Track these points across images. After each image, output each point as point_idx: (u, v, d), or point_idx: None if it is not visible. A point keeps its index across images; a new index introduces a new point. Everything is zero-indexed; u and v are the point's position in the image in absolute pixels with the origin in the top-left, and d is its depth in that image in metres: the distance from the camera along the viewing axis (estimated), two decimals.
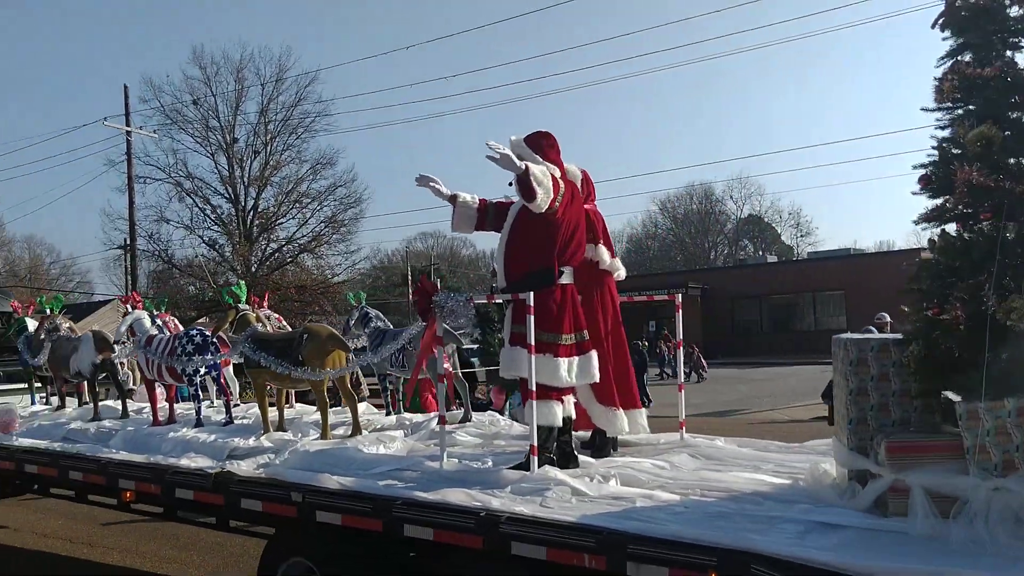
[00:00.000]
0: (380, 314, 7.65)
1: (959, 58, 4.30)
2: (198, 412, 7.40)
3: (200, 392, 7.46)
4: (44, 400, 10.09)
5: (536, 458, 5.12)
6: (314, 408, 7.68)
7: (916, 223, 4.43)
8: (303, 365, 6.42)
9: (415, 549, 5.25)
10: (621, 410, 6.01)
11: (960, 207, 4.17)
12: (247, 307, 7.13)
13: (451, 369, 7.13)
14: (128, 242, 35.60)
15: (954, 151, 4.25)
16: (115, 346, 8.28)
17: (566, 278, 5.48)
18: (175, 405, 7.97)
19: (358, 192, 42.42)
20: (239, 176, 42.18)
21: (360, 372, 8.23)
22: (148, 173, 39.68)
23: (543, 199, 5.27)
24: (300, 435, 6.67)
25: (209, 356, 7.30)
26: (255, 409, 7.40)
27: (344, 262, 43.41)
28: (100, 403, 8.64)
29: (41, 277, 60.91)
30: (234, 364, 8.38)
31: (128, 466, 6.61)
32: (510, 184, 5.52)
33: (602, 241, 6.22)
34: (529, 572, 4.48)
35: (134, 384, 8.75)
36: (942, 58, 4.39)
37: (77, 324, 10.70)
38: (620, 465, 5.45)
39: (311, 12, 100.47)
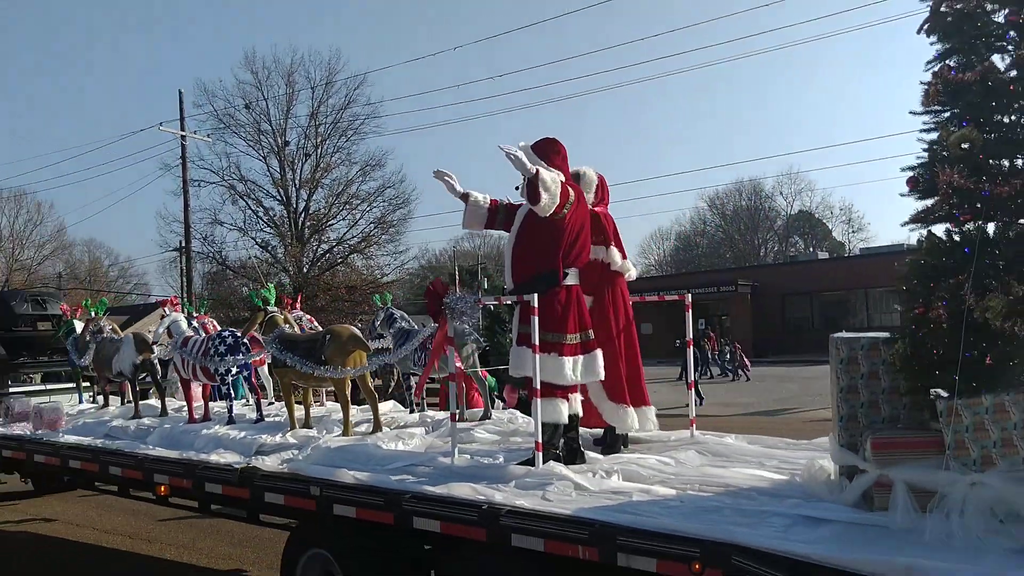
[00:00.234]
0: (405, 315, 7.88)
1: (945, 63, 4.39)
2: (230, 410, 7.74)
3: (232, 391, 7.77)
4: (91, 399, 10.51)
5: (541, 454, 5.30)
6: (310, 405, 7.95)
7: (903, 225, 4.52)
8: (326, 364, 6.68)
9: (430, 542, 5.49)
10: (631, 407, 6.16)
11: (945, 209, 4.26)
12: (275, 309, 7.41)
13: (471, 369, 7.37)
14: (183, 244, 36.25)
15: (943, 154, 4.35)
16: (154, 347, 8.65)
17: (571, 279, 5.65)
18: (211, 403, 8.30)
19: (406, 193, 42.88)
20: (291, 179, 42.87)
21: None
22: (202, 176, 40.60)
23: (547, 203, 5.44)
24: (324, 432, 6.94)
25: (240, 356, 7.60)
26: None
27: (393, 262, 44.00)
28: (145, 401, 9.03)
29: (100, 279, 62.59)
30: (268, 364, 8.68)
31: (162, 461, 6.94)
32: (516, 188, 5.72)
33: (613, 243, 6.37)
34: (530, 564, 4.69)
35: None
36: (929, 62, 4.48)
37: (135, 325, 11.11)
38: (625, 461, 5.60)
39: (359, 14, 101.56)
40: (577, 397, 5.77)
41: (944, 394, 4.15)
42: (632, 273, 6.50)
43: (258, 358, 8.00)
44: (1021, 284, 3.87)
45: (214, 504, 7.25)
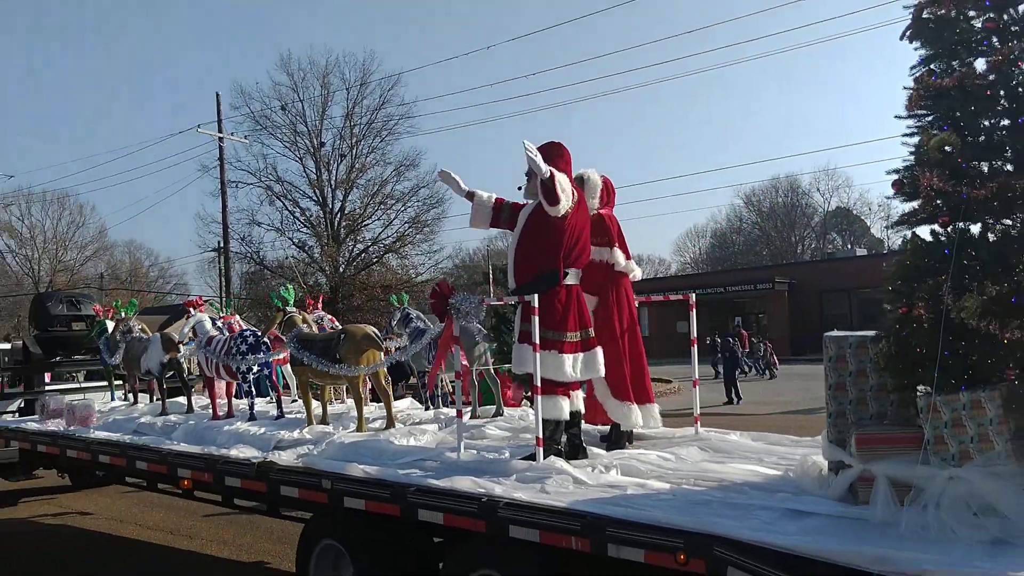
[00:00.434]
0: (421, 315, 8.08)
1: (925, 69, 4.50)
2: (251, 407, 7.99)
3: (253, 389, 8.03)
4: (123, 396, 10.85)
5: (542, 449, 5.47)
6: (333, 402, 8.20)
7: (888, 227, 4.63)
8: (340, 363, 6.90)
9: (439, 535, 5.69)
10: (635, 405, 6.31)
11: (927, 211, 4.37)
12: (294, 309, 7.65)
13: (484, 367, 7.57)
14: (222, 245, 36.68)
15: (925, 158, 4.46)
16: (180, 346, 8.95)
17: (571, 279, 5.81)
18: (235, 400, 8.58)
19: (440, 192, 42.97)
20: (326, 179, 43.06)
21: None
22: (240, 178, 40.88)
23: (565, 204, 5.65)
24: (340, 428, 7.16)
25: (261, 355, 7.85)
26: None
27: (427, 261, 44.14)
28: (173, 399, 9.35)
29: (141, 280, 63.60)
30: None
31: (185, 456, 7.21)
32: (519, 188, 5.91)
33: (617, 244, 6.52)
34: (529, 554, 4.86)
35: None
36: (913, 67, 4.59)
37: (175, 325, 11.42)
38: (626, 456, 5.76)
39: (393, 14, 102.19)
40: (579, 394, 5.93)
41: (926, 390, 4.26)
42: (636, 273, 6.65)
43: (280, 356, 8.26)
44: (996, 284, 3.97)
45: (236, 498, 7.53)
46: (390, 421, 7.03)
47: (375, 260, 43.43)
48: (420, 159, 43.03)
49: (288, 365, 8.97)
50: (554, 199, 5.58)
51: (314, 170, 42.88)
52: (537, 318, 5.45)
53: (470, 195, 6.39)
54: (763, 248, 74.47)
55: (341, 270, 41.26)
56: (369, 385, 7.65)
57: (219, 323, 8.85)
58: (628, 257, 6.56)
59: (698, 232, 79.48)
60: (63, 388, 11.74)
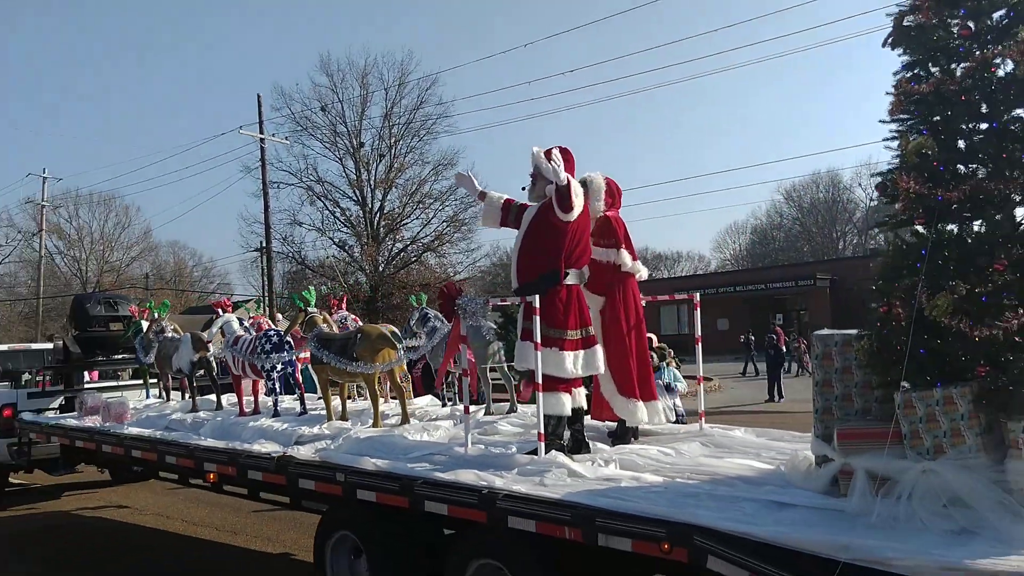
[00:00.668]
0: (439, 314, 8.31)
1: (906, 74, 4.64)
2: (275, 404, 8.31)
3: (276, 386, 8.34)
4: (158, 394, 11.24)
5: (544, 444, 5.68)
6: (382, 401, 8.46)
7: (871, 228, 4.78)
8: (357, 361, 7.17)
9: (450, 527, 5.92)
10: (641, 401, 6.48)
11: (907, 213, 4.52)
12: (315, 310, 7.94)
13: (499, 364, 7.79)
14: (264, 244, 37.33)
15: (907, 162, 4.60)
16: (209, 346, 9.30)
17: (571, 279, 6.01)
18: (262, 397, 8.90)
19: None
20: (366, 179, 43.55)
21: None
22: (281, 178, 41.58)
23: (577, 211, 5.88)
24: (359, 423, 7.43)
25: (284, 354, 8.16)
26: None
27: (465, 260, 44.56)
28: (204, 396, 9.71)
29: (185, 280, 64.77)
30: None
31: (210, 451, 7.54)
32: (523, 188, 6.14)
33: (623, 245, 6.69)
34: (526, 544, 5.08)
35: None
36: (895, 73, 4.73)
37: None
38: (627, 451, 5.95)
39: (431, 13, 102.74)
40: (581, 391, 6.13)
41: (904, 387, 4.41)
42: (643, 273, 6.81)
43: (303, 355, 8.57)
44: (966, 284, 4.12)
45: (260, 491, 7.84)
46: (405, 417, 7.28)
47: (414, 259, 43.84)
48: (458, 158, 43.39)
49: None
50: (568, 206, 5.80)
51: (354, 170, 43.42)
52: (538, 317, 5.66)
53: (482, 195, 6.64)
54: (804, 244, 73.82)
55: (381, 269, 41.72)
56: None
57: (247, 323, 9.17)
58: (635, 258, 6.73)
59: (738, 228, 79.04)
60: (100, 386, 12.21)
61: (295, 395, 9.53)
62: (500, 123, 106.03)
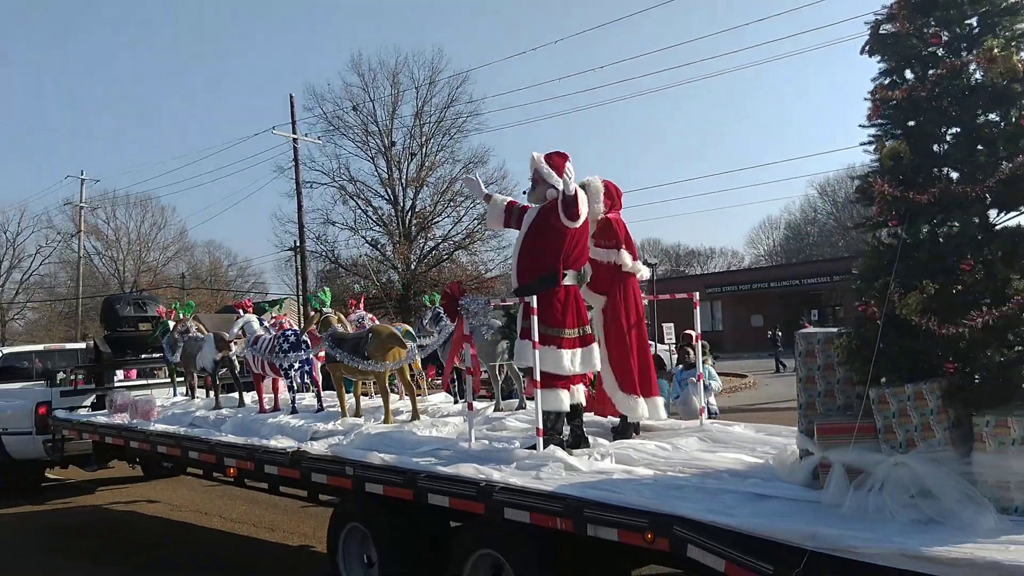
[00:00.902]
0: None
1: (884, 80, 4.80)
2: (293, 401, 8.61)
3: (294, 384, 8.63)
4: (184, 392, 11.61)
5: (542, 439, 5.90)
6: (397, 398, 8.74)
7: (849, 229, 4.95)
8: (368, 359, 7.44)
9: (456, 519, 6.16)
10: (642, 398, 6.69)
11: (882, 216, 4.69)
12: (330, 311, 8.23)
13: (507, 362, 8.01)
14: (298, 244, 37.54)
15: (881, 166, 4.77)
16: (231, 345, 9.63)
17: (569, 279, 6.22)
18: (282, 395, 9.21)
19: (508, 189, 43.35)
20: (397, 178, 43.88)
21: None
22: (314, 178, 42.03)
23: (583, 220, 6.10)
24: (371, 420, 7.69)
25: (301, 352, 8.46)
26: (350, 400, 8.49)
27: (496, 257, 44.53)
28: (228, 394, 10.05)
29: (220, 279, 65.60)
30: None
31: (230, 446, 7.84)
32: (524, 192, 6.37)
33: (624, 246, 6.89)
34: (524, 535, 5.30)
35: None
36: (874, 79, 4.89)
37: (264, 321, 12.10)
38: (625, 446, 6.14)
39: (461, 12, 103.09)
40: (579, 388, 6.35)
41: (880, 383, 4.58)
42: (643, 273, 7.01)
43: (322, 353, 8.86)
44: (936, 283, 4.28)
45: (279, 485, 8.13)
46: (415, 414, 7.54)
47: (445, 257, 44.03)
48: (488, 156, 43.50)
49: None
50: (574, 215, 6.02)
51: (385, 169, 43.70)
52: (536, 317, 5.88)
53: (487, 198, 6.93)
54: (839, 239, 73.25)
55: (413, 267, 41.96)
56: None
57: (266, 323, 9.49)
58: (635, 258, 6.93)
59: (772, 224, 78.63)
60: (129, 384, 12.62)
61: (312, 392, 9.84)
62: (533, 119, 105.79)
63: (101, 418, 10.80)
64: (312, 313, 8.25)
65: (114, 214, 61.00)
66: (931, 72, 4.56)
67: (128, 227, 62.01)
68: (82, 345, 15.59)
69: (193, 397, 10.89)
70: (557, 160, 6.42)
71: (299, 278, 38.40)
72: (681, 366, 9.82)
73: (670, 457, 5.84)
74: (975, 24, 4.57)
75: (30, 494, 13.31)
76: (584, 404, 6.42)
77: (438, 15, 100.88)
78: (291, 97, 34.40)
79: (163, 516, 11.63)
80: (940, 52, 4.61)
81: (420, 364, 8.98)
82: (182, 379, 11.58)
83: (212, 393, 10.08)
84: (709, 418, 8.97)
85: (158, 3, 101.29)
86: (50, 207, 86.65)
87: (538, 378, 5.92)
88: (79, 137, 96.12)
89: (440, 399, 9.09)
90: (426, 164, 43.64)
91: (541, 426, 5.91)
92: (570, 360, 6.10)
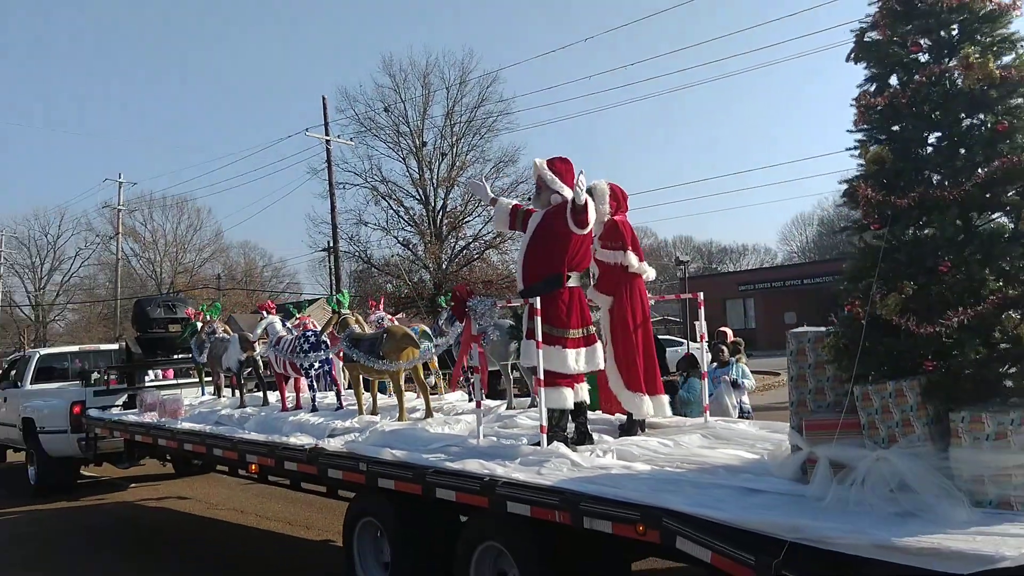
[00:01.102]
0: None
1: (868, 86, 4.95)
2: (313, 399, 8.89)
3: (315, 383, 8.92)
4: (212, 391, 11.95)
5: (546, 436, 6.10)
6: (414, 396, 8.98)
7: (836, 232, 5.10)
8: (383, 359, 7.68)
9: (465, 514, 6.36)
10: (647, 396, 6.86)
11: (866, 219, 4.83)
12: (347, 312, 8.48)
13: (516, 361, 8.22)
14: (331, 244, 38.01)
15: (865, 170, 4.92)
16: (255, 345, 9.94)
17: (573, 281, 6.42)
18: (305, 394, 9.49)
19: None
20: (428, 178, 43.98)
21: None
22: (347, 179, 42.28)
23: (591, 227, 6.30)
24: (387, 418, 7.94)
25: (321, 353, 8.73)
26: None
27: None
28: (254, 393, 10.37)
29: (255, 279, 66.43)
30: None
31: (251, 443, 8.13)
32: (529, 198, 6.55)
33: (630, 248, 7.06)
34: (526, 528, 5.50)
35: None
36: (859, 85, 5.04)
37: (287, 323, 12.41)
38: (628, 443, 6.31)
39: (491, 11, 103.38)
40: (584, 386, 6.54)
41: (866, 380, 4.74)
42: (650, 274, 7.16)
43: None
44: (916, 284, 4.43)
45: (299, 481, 8.40)
46: (428, 412, 7.77)
47: (476, 256, 44.09)
48: (519, 155, 43.39)
49: None
50: (583, 223, 6.21)
51: (416, 169, 43.73)
52: (540, 317, 6.08)
53: (493, 201, 7.19)
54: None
55: (444, 267, 42.07)
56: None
57: (288, 324, 9.77)
58: (641, 259, 7.10)
59: (804, 220, 78.11)
60: (158, 384, 13.00)
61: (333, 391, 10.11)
62: (562, 118, 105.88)
63: (131, 417, 11.17)
64: (331, 314, 8.50)
65: (151, 216, 62.12)
66: (914, 78, 4.70)
67: (165, 229, 63.14)
68: (116, 346, 16.02)
69: (220, 396, 11.22)
70: (560, 166, 6.63)
71: (333, 278, 38.82)
72: (715, 364, 9.91)
73: (671, 453, 6.00)
74: (957, 31, 4.70)
75: (66, 491, 13.74)
76: (588, 402, 6.61)
77: (469, 16, 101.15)
78: (324, 99, 34.74)
79: (196, 513, 11.97)
80: (923, 59, 4.76)
81: (437, 363, 9.21)
82: (209, 379, 11.91)
83: (237, 392, 10.38)
84: (741, 416, 9.16)
85: (194, 8, 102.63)
86: (89, 210, 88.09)
87: (541, 376, 6.12)
88: (117, 140, 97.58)
89: (456, 397, 9.32)
90: (457, 164, 43.66)
91: (545, 423, 6.11)
92: (575, 359, 6.30)
